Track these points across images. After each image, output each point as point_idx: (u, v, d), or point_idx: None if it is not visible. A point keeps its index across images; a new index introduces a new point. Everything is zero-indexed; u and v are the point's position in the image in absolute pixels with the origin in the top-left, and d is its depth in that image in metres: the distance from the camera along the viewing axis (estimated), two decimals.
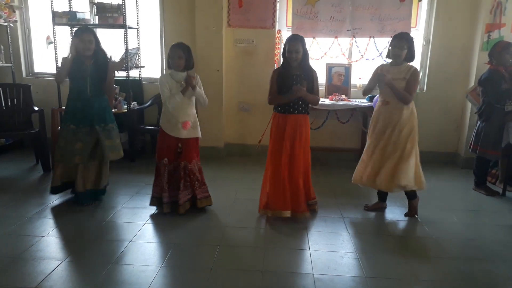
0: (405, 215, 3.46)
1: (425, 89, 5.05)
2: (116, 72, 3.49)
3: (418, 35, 4.97)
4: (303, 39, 3.23)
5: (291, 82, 3.18)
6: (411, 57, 3.24)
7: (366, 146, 3.47)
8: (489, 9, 4.58)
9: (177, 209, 3.34)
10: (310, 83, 3.22)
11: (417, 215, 3.44)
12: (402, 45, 3.17)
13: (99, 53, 3.42)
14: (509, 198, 3.97)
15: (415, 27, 4.96)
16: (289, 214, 3.26)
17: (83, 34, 3.33)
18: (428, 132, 4.85)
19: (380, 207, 3.57)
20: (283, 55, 3.25)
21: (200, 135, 3.42)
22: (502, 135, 3.85)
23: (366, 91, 3.45)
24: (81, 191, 3.49)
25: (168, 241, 2.97)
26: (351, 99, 4.90)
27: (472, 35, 4.77)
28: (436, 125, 5.03)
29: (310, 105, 3.32)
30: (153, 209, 3.47)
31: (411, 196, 3.41)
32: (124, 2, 4.59)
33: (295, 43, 3.16)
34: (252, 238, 3.08)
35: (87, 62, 3.36)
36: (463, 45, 4.85)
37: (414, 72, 3.21)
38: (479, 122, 4.01)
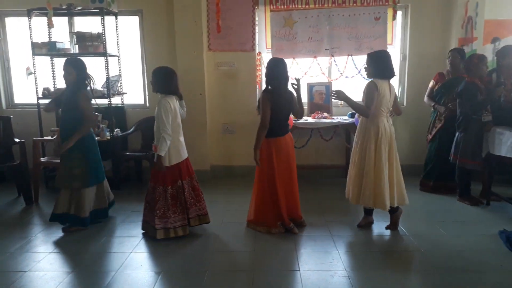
0: (387, 228, 3.50)
1: (404, 103, 5.15)
2: (93, 100, 3.55)
3: (395, 52, 5.10)
4: (270, 62, 3.53)
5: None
6: (375, 73, 3.33)
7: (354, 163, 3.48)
8: (461, 24, 4.75)
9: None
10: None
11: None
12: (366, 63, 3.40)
13: (72, 83, 3.51)
14: (493, 207, 4.02)
15: (391, 44, 5.09)
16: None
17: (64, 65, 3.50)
18: (407, 145, 4.94)
19: (370, 222, 3.59)
20: None
21: (166, 163, 3.27)
22: (480, 145, 3.94)
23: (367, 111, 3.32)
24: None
25: (155, 269, 2.92)
26: (333, 117, 4.97)
27: (446, 49, 4.89)
28: (415, 137, 5.09)
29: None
30: (139, 238, 3.42)
31: (396, 209, 3.45)
32: (104, 31, 4.61)
33: None
34: (241, 262, 3.04)
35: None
36: (438, 59, 4.98)
37: (367, 85, 3.33)
38: (457, 133, 4.09)
